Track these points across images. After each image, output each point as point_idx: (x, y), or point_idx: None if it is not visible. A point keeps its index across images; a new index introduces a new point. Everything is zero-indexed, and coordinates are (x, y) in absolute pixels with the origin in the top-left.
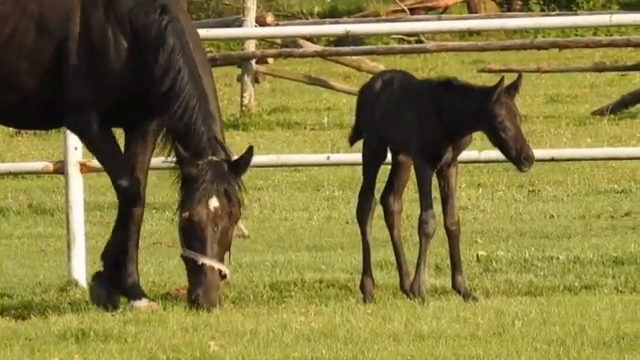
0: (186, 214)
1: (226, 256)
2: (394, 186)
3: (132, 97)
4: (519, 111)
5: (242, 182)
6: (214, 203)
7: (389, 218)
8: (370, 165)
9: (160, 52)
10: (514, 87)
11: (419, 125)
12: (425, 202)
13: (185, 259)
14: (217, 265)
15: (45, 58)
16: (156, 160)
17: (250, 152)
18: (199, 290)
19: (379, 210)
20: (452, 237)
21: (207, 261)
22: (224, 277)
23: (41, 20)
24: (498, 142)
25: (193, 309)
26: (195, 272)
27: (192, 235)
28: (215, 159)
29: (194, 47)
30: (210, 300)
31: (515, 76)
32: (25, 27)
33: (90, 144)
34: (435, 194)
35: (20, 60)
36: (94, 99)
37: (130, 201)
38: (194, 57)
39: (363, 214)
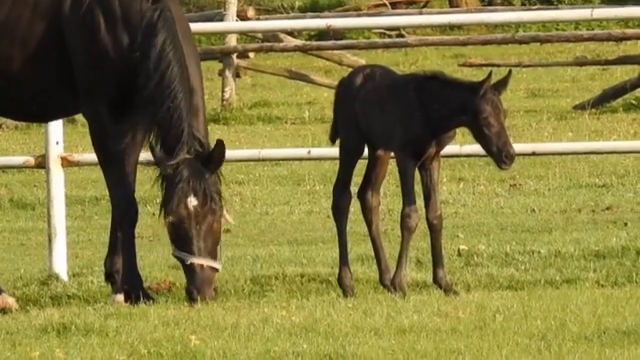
0: (168, 218)
1: (218, 248)
2: (371, 181)
3: (128, 86)
4: (504, 108)
5: (220, 175)
6: (192, 202)
7: (367, 213)
8: (347, 160)
9: (151, 43)
10: (503, 83)
11: (402, 120)
12: (407, 196)
13: (177, 257)
14: (205, 262)
15: (41, 45)
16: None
17: (219, 145)
18: (192, 287)
19: (356, 204)
20: (434, 231)
21: (195, 260)
22: (216, 270)
23: (35, 6)
24: (481, 137)
25: (193, 304)
26: (187, 270)
27: (177, 236)
28: (190, 156)
29: (183, 37)
30: (204, 295)
31: (496, 70)
32: (18, 14)
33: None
34: (417, 188)
35: (15, 48)
36: (99, 86)
37: (124, 218)
38: (182, 49)
39: (338, 208)
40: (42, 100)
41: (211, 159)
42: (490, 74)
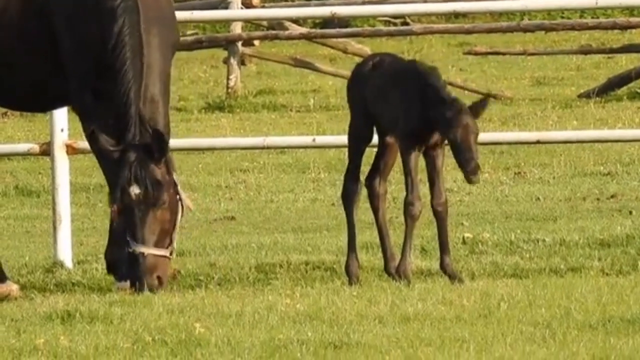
0: (112, 207)
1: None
2: (379, 168)
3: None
4: (476, 127)
5: (167, 163)
6: (134, 190)
7: (374, 200)
8: (356, 147)
9: (109, 30)
10: (480, 107)
11: (404, 108)
12: (411, 184)
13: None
14: (148, 251)
15: (34, 35)
16: None
17: (156, 134)
18: (133, 275)
19: (364, 192)
20: (440, 219)
21: (138, 248)
22: (165, 257)
23: None
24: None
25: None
26: (131, 258)
27: (125, 224)
28: (135, 143)
29: (150, 26)
30: (145, 286)
31: (501, 58)
32: (14, 4)
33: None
34: (422, 175)
35: (11, 37)
36: (85, 74)
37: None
38: (141, 37)
39: (348, 196)
40: (39, 89)
41: (152, 149)
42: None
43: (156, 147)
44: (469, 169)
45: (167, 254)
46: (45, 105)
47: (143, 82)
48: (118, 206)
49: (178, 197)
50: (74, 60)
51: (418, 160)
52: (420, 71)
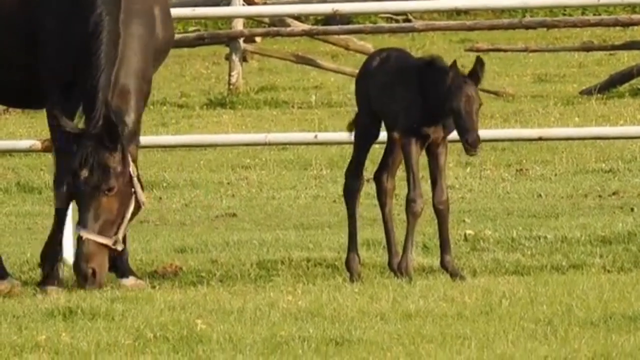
0: (60, 189)
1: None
2: (387, 164)
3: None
4: (479, 98)
5: (123, 154)
6: (82, 174)
7: (382, 196)
8: (361, 143)
9: (89, 18)
10: (479, 70)
11: (405, 103)
12: (413, 181)
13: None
14: (87, 235)
15: (26, 30)
16: (142, 139)
17: (109, 123)
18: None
19: (365, 188)
20: (441, 217)
21: (79, 231)
22: (110, 248)
23: None
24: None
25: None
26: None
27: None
28: (96, 129)
29: (128, 19)
30: (76, 270)
31: (502, 55)
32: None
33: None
34: (425, 173)
35: (3, 32)
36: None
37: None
38: (119, 28)
39: (349, 193)
40: (32, 85)
41: (105, 137)
42: (454, 62)
43: (107, 136)
44: (470, 141)
45: (109, 243)
46: (39, 101)
47: (114, 71)
48: (67, 190)
49: (132, 190)
50: (55, 52)
51: (419, 157)
52: (422, 63)
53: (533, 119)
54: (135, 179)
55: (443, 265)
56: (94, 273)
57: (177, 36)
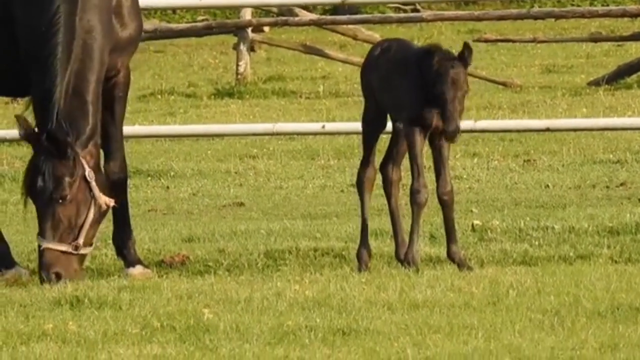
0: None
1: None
2: (392, 155)
3: None
4: (466, 83)
5: (75, 160)
6: (36, 183)
7: (387, 186)
8: (369, 134)
9: (46, 15)
10: (467, 53)
11: (406, 92)
12: (416, 171)
13: None
14: (45, 244)
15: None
16: (150, 129)
17: (50, 135)
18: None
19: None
20: (445, 207)
21: (38, 241)
22: (69, 252)
23: None
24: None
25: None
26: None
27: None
28: (45, 143)
29: (85, 16)
30: (40, 278)
31: (510, 46)
32: None
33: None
34: (430, 163)
35: None
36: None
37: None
38: (75, 25)
39: (361, 183)
40: (22, 75)
41: (50, 147)
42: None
43: (56, 148)
44: (449, 130)
45: (69, 249)
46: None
47: (67, 75)
48: (25, 198)
49: (91, 194)
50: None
51: (423, 147)
52: (422, 51)
53: (541, 109)
54: (92, 183)
55: (450, 256)
56: (58, 276)
57: (185, 26)
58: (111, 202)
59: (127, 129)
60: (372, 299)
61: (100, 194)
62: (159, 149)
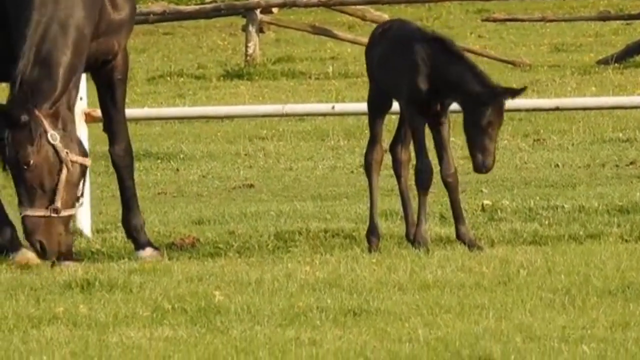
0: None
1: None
2: (401, 136)
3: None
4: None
5: (31, 127)
6: (6, 154)
7: (397, 167)
8: (374, 115)
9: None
10: (517, 92)
11: (408, 74)
12: (420, 152)
13: None
14: (24, 212)
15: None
16: (159, 111)
17: (16, 101)
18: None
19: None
20: (450, 189)
21: (20, 210)
22: (48, 217)
23: None
24: (470, 133)
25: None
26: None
27: None
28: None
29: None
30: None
31: (519, 25)
32: None
33: None
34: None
35: None
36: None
37: None
38: (51, 8)
39: (368, 164)
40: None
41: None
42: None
43: (2, 116)
44: (486, 163)
45: (47, 213)
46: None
47: (36, 45)
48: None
49: (58, 155)
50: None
51: (424, 126)
52: (430, 36)
53: (550, 89)
54: (57, 144)
55: (459, 237)
56: (42, 246)
57: (193, 8)
58: (85, 160)
59: (136, 111)
60: (382, 280)
61: (69, 154)
62: (169, 131)
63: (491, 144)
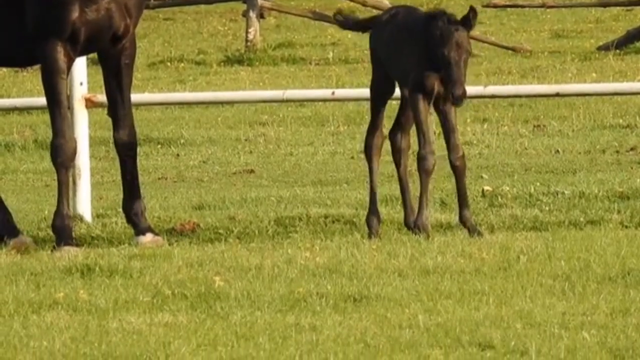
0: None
1: None
2: (401, 123)
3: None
4: (469, 46)
5: None
6: None
7: (396, 154)
8: (376, 101)
9: None
10: (472, 17)
11: (411, 58)
12: (422, 138)
13: None
14: None
15: None
16: (160, 96)
17: None
18: None
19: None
20: (458, 172)
21: None
22: None
23: None
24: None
25: None
26: None
27: None
28: None
29: None
30: None
31: (520, 11)
32: None
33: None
34: (440, 130)
35: None
36: (51, 24)
37: (57, 165)
38: None
39: (368, 150)
40: (25, 47)
41: None
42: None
43: None
44: (456, 94)
45: None
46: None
47: None
48: None
49: None
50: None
51: (428, 113)
52: (426, 17)
53: (550, 75)
54: None
55: (462, 220)
56: None
57: None
58: None
59: (136, 97)
60: (382, 266)
61: None
62: (169, 117)
63: (458, 73)
